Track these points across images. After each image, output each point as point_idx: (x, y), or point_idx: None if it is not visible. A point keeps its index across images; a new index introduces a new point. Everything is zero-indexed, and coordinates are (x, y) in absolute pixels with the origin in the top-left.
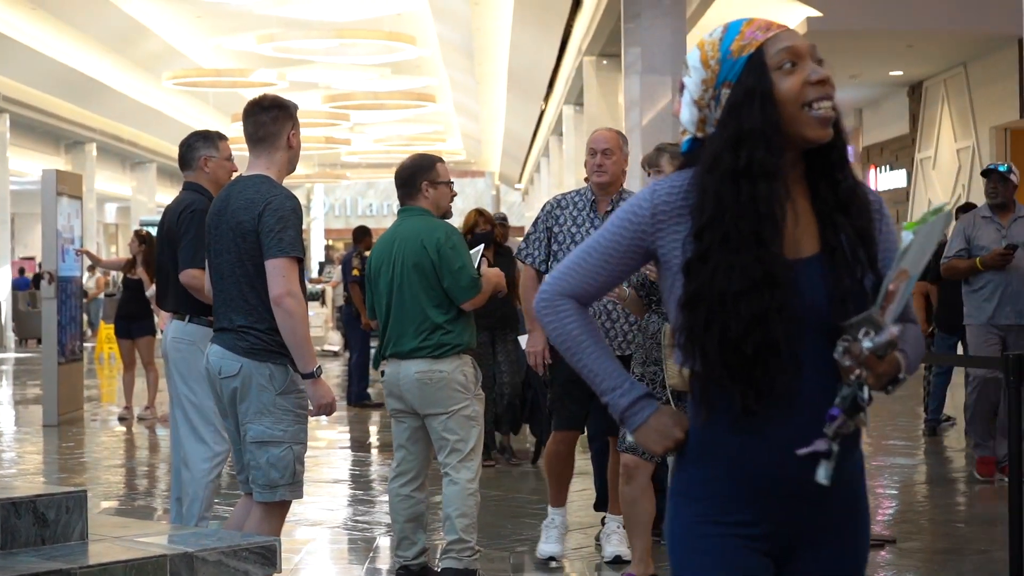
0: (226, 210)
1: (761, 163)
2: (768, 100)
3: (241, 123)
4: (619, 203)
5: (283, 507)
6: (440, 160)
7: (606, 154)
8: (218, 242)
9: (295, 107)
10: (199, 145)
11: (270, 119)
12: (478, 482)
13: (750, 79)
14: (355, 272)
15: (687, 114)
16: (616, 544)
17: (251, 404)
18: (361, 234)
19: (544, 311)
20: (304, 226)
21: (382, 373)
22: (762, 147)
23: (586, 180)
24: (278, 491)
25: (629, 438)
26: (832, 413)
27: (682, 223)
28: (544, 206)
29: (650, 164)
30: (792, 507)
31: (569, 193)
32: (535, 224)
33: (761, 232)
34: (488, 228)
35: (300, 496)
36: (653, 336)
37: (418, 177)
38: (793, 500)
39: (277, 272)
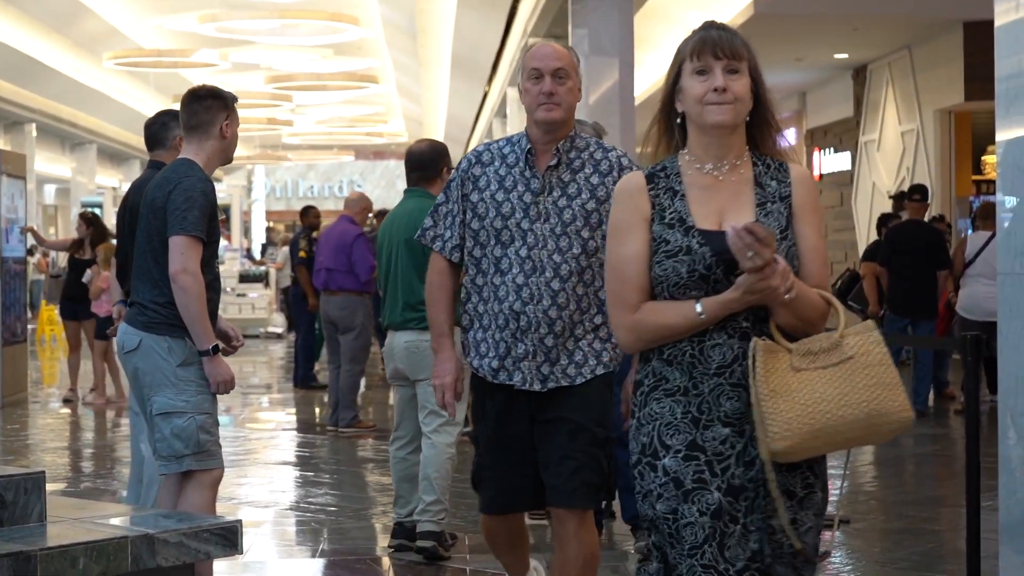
0: (145, 192)
1: None
2: None
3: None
4: (570, 155)
5: (207, 476)
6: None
7: (558, 77)
8: (138, 220)
9: (233, 98)
10: (173, 124)
11: (203, 108)
12: (455, 447)
13: None
14: (301, 254)
15: None
16: None
17: (152, 377)
18: (305, 212)
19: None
20: (245, 208)
21: (382, 344)
22: None
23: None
24: (184, 461)
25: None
26: None
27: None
28: (459, 164)
29: None
30: None
31: (495, 143)
32: (446, 192)
33: None
34: None
35: (211, 467)
36: (730, 368)
37: (440, 162)
38: None
39: (176, 249)
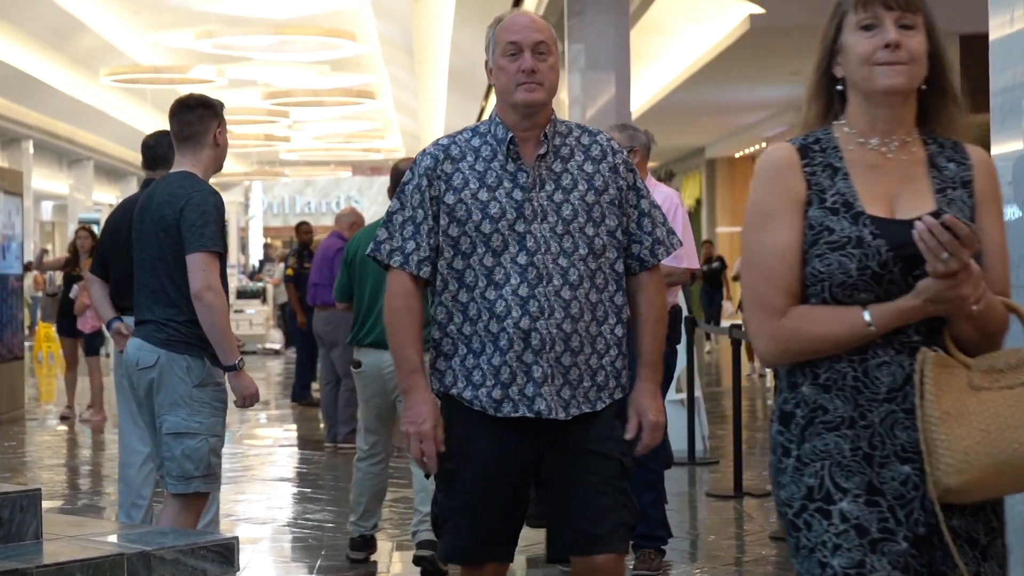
0: (150, 205)
1: None
2: None
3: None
4: (555, 142)
5: (200, 500)
6: None
7: (539, 53)
8: (142, 237)
9: (221, 106)
10: None
11: (196, 118)
12: None
13: None
14: (288, 271)
15: None
16: None
17: (167, 395)
18: (297, 228)
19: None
20: (242, 224)
21: (357, 364)
22: None
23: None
24: (192, 483)
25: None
26: None
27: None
28: (416, 163)
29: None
30: None
31: (459, 135)
32: (400, 197)
33: None
34: None
35: (215, 489)
36: (902, 391)
37: None
38: None
39: (197, 266)
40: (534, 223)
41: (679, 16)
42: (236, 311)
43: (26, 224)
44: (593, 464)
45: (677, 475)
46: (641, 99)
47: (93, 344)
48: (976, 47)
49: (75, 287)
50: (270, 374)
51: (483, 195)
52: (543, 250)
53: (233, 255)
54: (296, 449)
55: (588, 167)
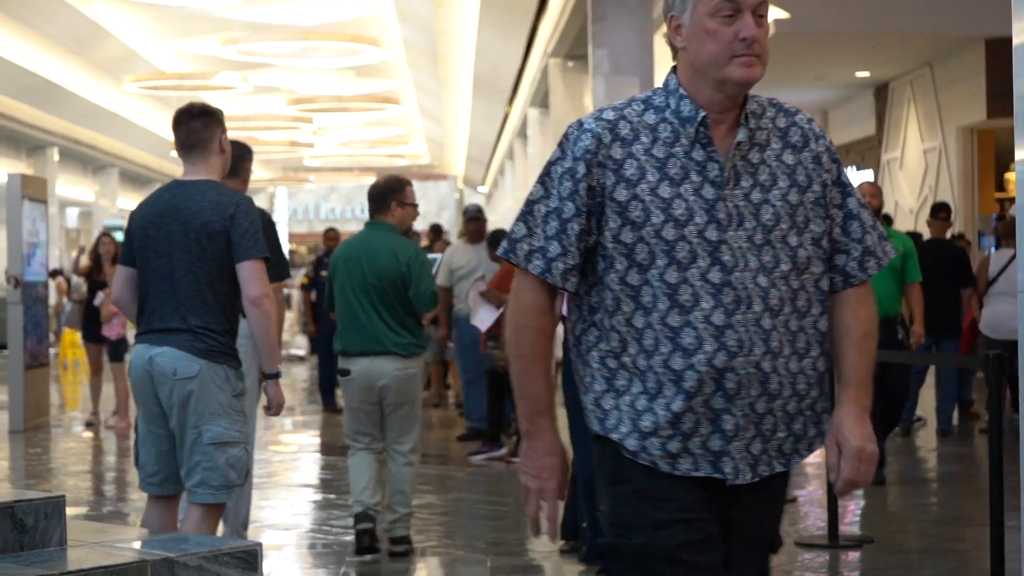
0: (179, 212)
1: None
2: None
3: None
4: (757, 124)
5: (221, 509)
6: (409, 183)
7: (759, 16)
8: (162, 243)
9: (222, 113)
10: (247, 156)
11: (201, 125)
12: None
13: None
14: (304, 280)
15: None
16: None
17: (208, 405)
18: (325, 234)
19: None
20: None
21: (345, 372)
22: None
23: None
24: (233, 491)
25: None
26: None
27: None
28: (572, 138)
29: None
30: None
31: (628, 107)
32: (545, 183)
33: None
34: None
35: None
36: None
37: (388, 197)
38: None
39: (255, 274)
40: (729, 230)
41: None
42: None
43: (51, 231)
44: (754, 545)
45: None
46: None
47: (118, 350)
48: (1002, 51)
49: (99, 294)
50: (295, 380)
51: (664, 190)
52: (741, 266)
53: None
54: (321, 455)
55: (788, 157)
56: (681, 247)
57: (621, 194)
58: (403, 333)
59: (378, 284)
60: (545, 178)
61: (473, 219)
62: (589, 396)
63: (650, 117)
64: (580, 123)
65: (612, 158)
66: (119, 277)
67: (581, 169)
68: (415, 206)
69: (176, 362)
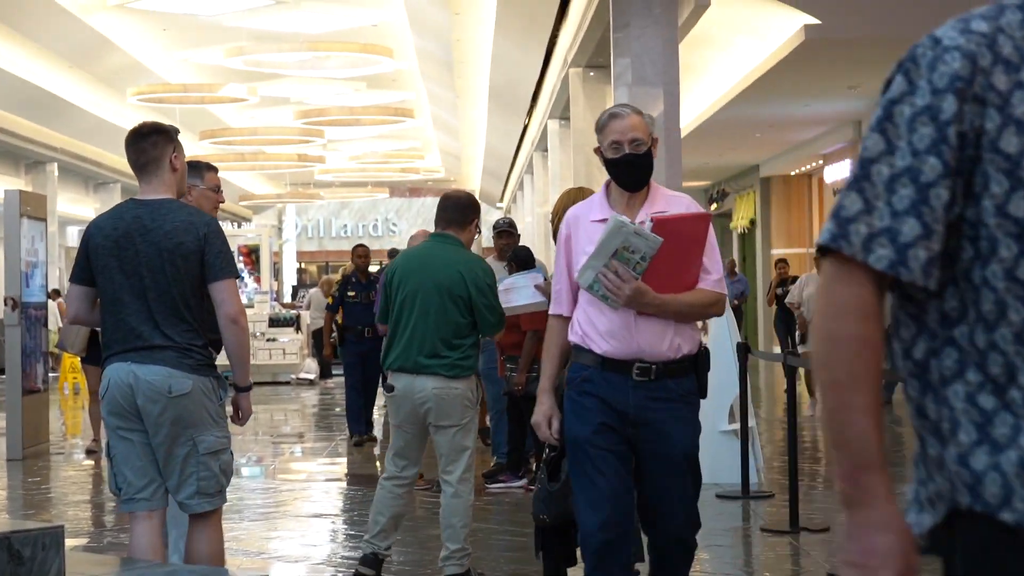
0: (149, 231)
1: None
2: None
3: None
4: None
5: (220, 513)
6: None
7: None
8: (130, 263)
9: (176, 131)
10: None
11: (150, 144)
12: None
13: None
14: (328, 300)
15: None
16: None
17: (201, 418)
18: (353, 251)
19: None
20: (275, 248)
21: (390, 388)
22: None
23: None
24: (224, 495)
25: None
26: None
27: None
28: (928, 60)
29: None
30: None
31: (1004, 15)
32: (889, 129)
33: None
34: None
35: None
36: None
37: (471, 213)
38: None
39: (231, 292)
40: None
41: (730, 28)
42: (269, 339)
43: (51, 250)
44: None
45: (730, 509)
46: (691, 115)
47: None
48: None
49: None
50: (304, 406)
51: None
52: None
53: (265, 281)
54: (331, 483)
55: None
56: None
57: (1011, 143)
58: (446, 352)
59: (436, 300)
60: (886, 123)
61: (504, 232)
62: (950, 452)
63: None
64: (935, 39)
65: (995, 89)
66: (75, 296)
67: (949, 107)
68: (480, 231)
69: (170, 380)
